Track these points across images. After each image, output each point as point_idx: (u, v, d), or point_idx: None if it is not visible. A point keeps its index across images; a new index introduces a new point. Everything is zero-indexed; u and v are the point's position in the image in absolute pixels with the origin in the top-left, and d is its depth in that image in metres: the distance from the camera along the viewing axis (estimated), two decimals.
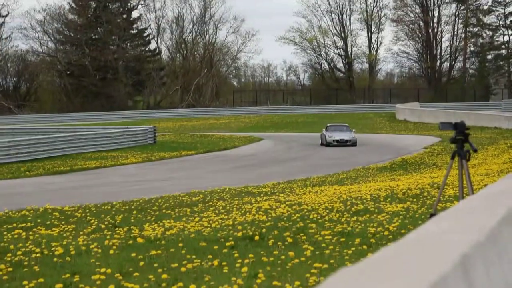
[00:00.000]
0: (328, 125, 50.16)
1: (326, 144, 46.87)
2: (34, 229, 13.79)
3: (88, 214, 16.29)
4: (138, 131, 52.11)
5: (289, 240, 11.84)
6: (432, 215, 9.70)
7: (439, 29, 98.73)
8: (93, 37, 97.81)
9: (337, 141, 46.81)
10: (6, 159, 39.42)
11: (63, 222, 14.88)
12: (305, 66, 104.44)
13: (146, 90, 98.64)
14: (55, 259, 10.67)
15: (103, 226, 14.18)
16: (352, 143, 46.74)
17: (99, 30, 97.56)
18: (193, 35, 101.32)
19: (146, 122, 71.97)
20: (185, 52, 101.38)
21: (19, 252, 11.11)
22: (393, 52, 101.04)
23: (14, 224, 14.29)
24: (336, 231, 12.58)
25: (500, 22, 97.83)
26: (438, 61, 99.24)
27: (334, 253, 10.76)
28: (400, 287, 2.13)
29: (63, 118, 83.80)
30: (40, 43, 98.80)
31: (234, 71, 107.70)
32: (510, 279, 3.90)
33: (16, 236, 12.93)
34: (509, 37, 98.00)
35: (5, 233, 13.27)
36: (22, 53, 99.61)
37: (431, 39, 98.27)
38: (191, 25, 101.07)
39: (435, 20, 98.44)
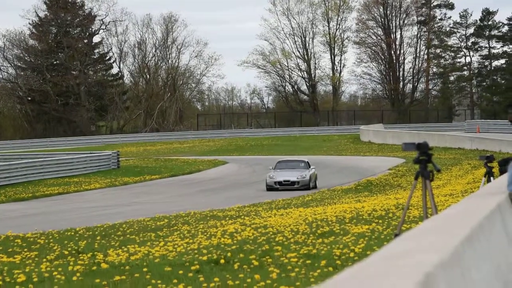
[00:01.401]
0: (278, 161, 38.86)
1: (267, 187, 35.67)
2: None
3: (51, 240, 16.11)
4: (101, 156, 51.81)
5: (255, 263, 11.80)
6: (396, 235, 9.71)
7: (402, 51, 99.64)
8: (55, 62, 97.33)
9: (279, 183, 35.50)
10: None
11: (25, 249, 14.70)
12: (269, 89, 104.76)
13: (109, 115, 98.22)
14: (17, 287, 10.53)
15: (66, 252, 14.03)
16: (303, 185, 35.53)
17: (60, 56, 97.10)
18: (156, 60, 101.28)
19: (110, 147, 71.60)
20: (148, 76, 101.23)
21: None
22: (356, 74, 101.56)
23: None
24: (302, 253, 12.56)
25: (462, 44, 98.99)
26: (401, 83, 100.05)
27: (300, 275, 10.73)
28: None
29: (25, 145, 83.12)
30: (0, 69, 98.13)
31: (197, 95, 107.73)
32: None
33: None
34: (471, 58, 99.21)
35: None
36: None
37: (394, 61, 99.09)
38: (154, 49, 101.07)
39: (397, 42, 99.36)
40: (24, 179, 42.91)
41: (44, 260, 13.15)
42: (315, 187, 36.15)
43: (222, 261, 12.09)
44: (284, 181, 35.71)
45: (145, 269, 11.50)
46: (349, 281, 2.75)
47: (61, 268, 11.98)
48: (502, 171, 14.32)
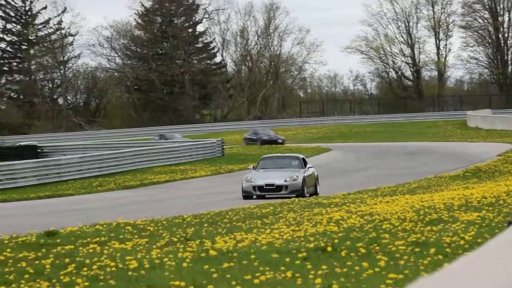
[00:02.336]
0: (262, 157, 30.15)
1: (243, 195, 26.82)
2: (108, 243, 13.92)
3: (160, 227, 16.38)
4: (206, 144, 52.40)
5: (362, 250, 11.71)
6: (510, 223, 9.49)
7: (510, 33, 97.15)
8: (160, 52, 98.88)
9: (260, 188, 26.76)
10: (78, 175, 40.01)
11: (136, 236, 14.99)
12: (372, 75, 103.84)
13: (213, 103, 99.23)
14: (129, 273, 10.75)
15: (175, 239, 14.24)
16: (293, 191, 26.56)
17: (165, 45, 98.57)
18: (258, 47, 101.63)
19: (214, 135, 72.36)
20: (251, 64, 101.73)
21: (94, 267, 11.22)
22: (462, 58, 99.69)
23: (89, 239, 14.45)
24: (410, 241, 12.40)
25: None
26: (510, 67, 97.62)
27: (409, 263, 10.60)
28: None
29: (132, 133, 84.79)
30: (108, 59, 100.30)
31: (300, 82, 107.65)
32: None
33: (91, 250, 13.07)
34: None
35: (80, 247, 13.43)
36: (91, 69, 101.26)
37: (502, 44, 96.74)
38: (256, 37, 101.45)
39: (505, 25, 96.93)
40: (132, 167, 43.82)
41: (154, 246, 13.38)
42: (315, 193, 27.27)
43: (329, 248, 12.05)
44: (266, 185, 26.72)
45: (252, 256, 11.56)
46: (462, 270, 2.67)
47: (171, 254, 12.17)
48: None
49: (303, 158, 28.55)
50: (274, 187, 26.74)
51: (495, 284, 2.39)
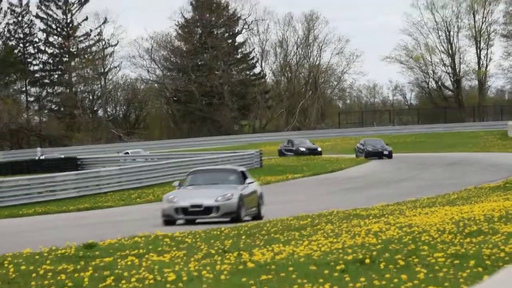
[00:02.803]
0: (192, 170, 24.42)
1: (163, 219, 21.89)
2: (146, 256, 13.97)
3: (198, 239, 16.42)
4: (244, 155, 52.47)
5: (401, 263, 11.63)
6: None
7: None
8: (199, 63, 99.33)
9: (184, 210, 21.61)
10: (118, 187, 40.27)
11: (174, 248, 15.03)
12: (412, 85, 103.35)
13: (252, 114, 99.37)
14: (167, 285, 10.78)
15: (213, 251, 14.25)
16: (226, 213, 21.65)
17: (205, 56, 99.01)
18: (297, 58, 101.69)
19: (252, 146, 72.42)
20: (290, 74, 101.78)
21: (133, 279, 11.26)
22: (503, 68, 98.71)
23: (127, 251, 14.52)
24: (449, 253, 12.30)
25: None
26: None
27: (448, 275, 10.51)
28: None
29: (171, 145, 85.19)
30: (148, 71, 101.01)
31: (339, 92, 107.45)
32: None
33: (129, 263, 13.12)
34: None
35: (118, 260, 13.49)
36: (131, 81, 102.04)
37: None
38: (295, 48, 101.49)
39: None
40: (171, 178, 43.97)
41: (192, 259, 13.40)
42: (258, 216, 22.53)
43: (367, 260, 11.98)
44: (192, 206, 21.45)
45: (290, 268, 11.53)
46: (503, 283, 2.64)
47: (209, 267, 12.18)
48: None
49: (242, 172, 23.12)
50: (202, 208, 21.35)
51: None
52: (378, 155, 57.75)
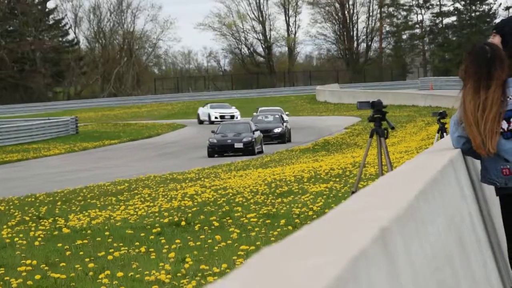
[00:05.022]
0: None
1: None
2: None
3: (11, 207, 16.10)
4: (59, 122, 51.46)
5: (216, 224, 11.93)
6: (353, 192, 9.90)
7: (355, 10, 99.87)
8: (9, 28, 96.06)
9: None
10: None
11: None
12: (225, 52, 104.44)
13: (66, 81, 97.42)
14: None
15: (27, 218, 14.04)
16: None
17: (15, 22, 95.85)
18: (111, 24, 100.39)
19: (68, 113, 71.08)
20: (104, 41, 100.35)
21: None
22: (311, 34, 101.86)
23: None
24: (261, 213, 12.73)
25: (414, 2, 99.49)
26: (355, 42, 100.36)
27: (260, 234, 10.90)
28: (322, 263, 2.22)
29: None
30: None
31: (154, 59, 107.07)
32: (428, 252, 4.05)
33: None
34: (423, 16, 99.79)
35: None
36: None
37: (348, 21, 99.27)
38: (109, 14, 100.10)
39: (350, 2, 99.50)
40: None
41: (5, 226, 13.16)
42: None
43: (183, 223, 12.21)
44: None
45: (106, 233, 11.58)
46: (306, 237, 2.87)
47: (23, 234, 12.02)
48: None
49: None
50: None
51: (333, 251, 2.57)
52: None
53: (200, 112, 58.49)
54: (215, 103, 63.20)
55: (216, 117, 55.57)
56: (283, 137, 37.17)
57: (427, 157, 7.10)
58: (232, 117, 54.79)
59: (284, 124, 38.11)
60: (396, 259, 3.12)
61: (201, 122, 56.96)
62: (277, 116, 38.48)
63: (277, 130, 37.10)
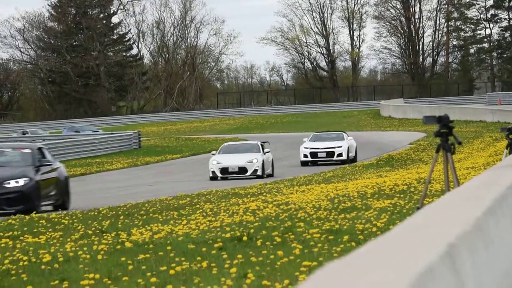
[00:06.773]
0: None
1: None
2: (21, 238, 13.73)
3: (75, 220, 16.23)
4: (122, 137, 51.99)
5: (278, 239, 11.83)
6: (418, 208, 9.72)
7: (421, 24, 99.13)
8: (74, 43, 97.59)
9: None
10: None
11: (50, 230, 14.82)
12: (288, 66, 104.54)
13: (129, 95, 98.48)
14: (43, 267, 10.63)
15: (90, 232, 14.13)
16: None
17: (80, 37, 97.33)
18: (175, 39, 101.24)
19: (130, 127, 71.83)
20: (167, 55, 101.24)
21: (6, 261, 11.05)
22: (375, 48, 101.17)
23: (0, 234, 14.23)
24: (324, 229, 12.59)
25: (481, 16, 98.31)
26: (421, 57, 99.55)
27: (323, 251, 10.77)
28: (387, 278, 2.13)
29: (46, 126, 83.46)
30: (21, 52, 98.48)
31: (217, 73, 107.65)
32: (497, 269, 3.91)
33: (3, 245, 12.87)
34: (491, 30, 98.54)
35: None
36: (3, 62, 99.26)
37: (413, 35, 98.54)
38: (172, 29, 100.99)
39: (416, 16, 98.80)
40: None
41: (69, 240, 13.26)
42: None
43: (244, 238, 12.14)
44: None
45: (168, 247, 11.57)
46: (371, 252, 2.77)
47: (86, 247, 12.08)
48: None
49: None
50: None
51: (399, 267, 2.48)
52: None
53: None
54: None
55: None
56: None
57: (495, 173, 6.93)
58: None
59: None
60: (465, 278, 3.00)
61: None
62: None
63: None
